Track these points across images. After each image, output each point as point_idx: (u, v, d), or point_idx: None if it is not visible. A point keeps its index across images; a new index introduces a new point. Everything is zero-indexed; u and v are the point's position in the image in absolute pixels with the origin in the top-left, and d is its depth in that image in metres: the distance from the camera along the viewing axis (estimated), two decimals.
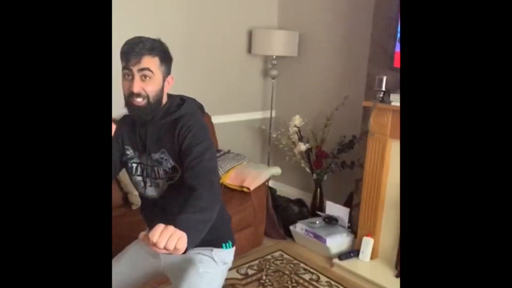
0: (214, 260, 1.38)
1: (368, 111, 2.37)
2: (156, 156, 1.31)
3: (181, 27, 2.76)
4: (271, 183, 3.18)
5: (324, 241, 2.49)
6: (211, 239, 1.40)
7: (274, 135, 3.16)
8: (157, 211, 1.37)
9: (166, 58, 1.27)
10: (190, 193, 1.14)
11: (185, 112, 1.31)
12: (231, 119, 3.17)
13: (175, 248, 0.92)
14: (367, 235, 2.40)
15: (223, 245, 1.43)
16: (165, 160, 1.30)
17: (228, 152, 2.77)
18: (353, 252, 2.45)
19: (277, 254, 2.58)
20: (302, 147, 2.86)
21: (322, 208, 2.88)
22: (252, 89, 3.32)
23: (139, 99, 1.24)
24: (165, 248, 0.92)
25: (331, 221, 2.65)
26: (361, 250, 2.41)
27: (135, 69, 1.21)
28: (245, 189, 2.45)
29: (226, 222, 1.49)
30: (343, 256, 2.43)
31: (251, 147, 3.39)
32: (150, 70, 1.23)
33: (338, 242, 2.52)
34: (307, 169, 2.95)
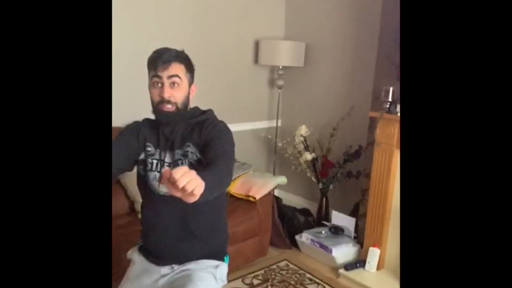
0: (215, 277, 1.37)
1: (374, 122, 2.37)
2: (181, 151, 1.33)
3: (188, 37, 2.79)
4: (276, 192, 3.18)
5: (330, 251, 2.49)
6: (218, 251, 1.42)
7: (280, 144, 3.17)
8: (169, 210, 1.34)
9: (190, 67, 1.35)
10: (208, 165, 1.17)
11: (211, 116, 1.41)
12: (237, 128, 3.18)
13: (191, 192, 0.89)
14: (373, 246, 2.39)
15: (225, 258, 1.44)
16: (190, 153, 1.32)
17: (234, 161, 2.78)
18: (359, 262, 2.44)
19: (282, 264, 2.57)
20: (308, 156, 2.86)
21: (328, 218, 2.87)
22: (258, 98, 3.34)
23: (169, 106, 1.29)
24: (182, 189, 0.89)
25: (337, 231, 2.64)
26: (368, 260, 2.40)
27: (164, 76, 1.27)
28: (251, 198, 2.46)
29: (227, 237, 1.52)
30: (349, 266, 2.41)
31: (257, 156, 3.40)
32: (178, 77, 1.30)
33: (344, 252, 2.52)
34: (313, 179, 2.95)
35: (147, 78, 1.34)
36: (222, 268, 1.41)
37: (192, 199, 0.92)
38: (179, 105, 1.31)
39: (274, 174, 3.32)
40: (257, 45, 3.15)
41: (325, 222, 2.80)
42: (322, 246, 2.54)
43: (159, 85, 1.29)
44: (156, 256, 1.39)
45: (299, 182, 3.25)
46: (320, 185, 2.91)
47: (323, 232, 2.65)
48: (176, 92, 1.30)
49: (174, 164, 1.34)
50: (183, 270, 1.36)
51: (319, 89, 3.16)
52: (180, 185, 0.88)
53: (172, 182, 0.88)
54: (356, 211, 2.73)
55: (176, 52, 1.31)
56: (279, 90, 3.25)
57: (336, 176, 2.85)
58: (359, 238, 2.61)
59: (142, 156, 1.37)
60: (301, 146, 2.94)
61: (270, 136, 3.33)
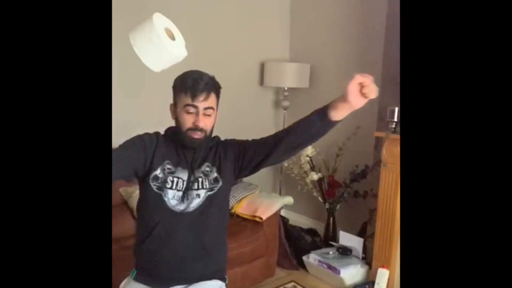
0: None
1: (380, 141, 2.38)
2: (201, 170, 1.38)
3: (195, 58, 2.84)
4: (283, 212, 3.17)
5: (338, 272, 2.46)
6: (222, 269, 1.44)
7: (285, 164, 3.17)
8: (185, 226, 1.34)
9: (219, 93, 1.39)
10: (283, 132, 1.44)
11: (218, 138, 1.48)
12: None
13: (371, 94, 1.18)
14: (382, 267, 2.36)
15: (225, 277, 1.46)
16: (210, 172, 1.38)
17: (240, 181, 2.78)
18: (368, 283, 2.40)
19: (290, 285, 2.54)
20: (315, 176, 2.86)
21: (335, 238, 2.85)
22: (264, 119, 3.37)
23: (199, 133, 1.32)
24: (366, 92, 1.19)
25: (345, 251, 2.61)
26: (376, 281, 2.37)
27: (201, 106, 1.30)
28: (257, 219, 2.45)
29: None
30: (357, 287, 2.38)
31: (263, 176, 3.40)
32: (213, 108, 1.34)
33: (352, 273, 2.48)
34: (320, 198, 2.94)
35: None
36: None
37: (365, 101, 1.23)
38: (208, 133, 1.35)
39: (280, 194, 3.31)
40: (262, 67, 3.20)
41: (332, 243, 2.78)
42: (330, 267, 2.51)
43: (194, 113, 1.31)
44: (163, 277, 1.37)
45: (305, 202, 3.24)
46: (327, 205, 2.90)
47: (330, 252, 2.62)
48: (208, 121, 1.34)
49: (195, 181, 1.36)
50: None
51: None
52: (370, 86, 1.20)
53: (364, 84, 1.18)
54: (363, 231, 2.71)
55: (211, 80, 1.35)
56: (284, 111, 3.28)
57: (343, 196, 2.84)
58: (367, 258, 2.58)
59: (158, 172, 1.34)
60: (307, 166, 2.95)
61: None
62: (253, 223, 2.46)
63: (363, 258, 2.59)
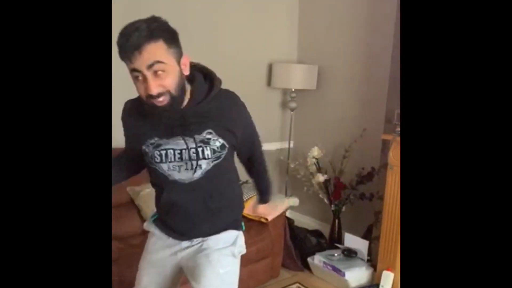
0: (233, 255, 1.34)
1: (387, 144, 2.38)
2: (201, 137, 1.21)
3: (204, 59, 2.86)
4: (288, 213, 3.17)
5: (343, 274, 2.46)
6: (236, 221, 1.41)
7: (292, 166, 3.18)
8: (189, 193, 1.28)
9: (172, 37, 1.09)
10: (252, 160, 1.45)
11: (227, 96, 1.30)
12: None
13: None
14: (387, 269, 2.36)
15: (242, 225, 1.43)
16: (212, 140, 1.22)
17: (246, 182, 2.79)
18: (372, 286, 2.40)
19: (294, 286, 2.55)
20: (321, 178, 2.87)
21: (340, 240, 2.85)
22: (271, 120, 3.38)
23: (160, 99, 1.09)
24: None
25: (350, 253, 2.61)
26: (381, 284, 2.36)
27: (143, 66, 1.04)
28: (263, 220, 2.46)
29: (243, 207, 1.50)
30: None
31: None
32: (160, 62, 1.05)
33: (357, 275, 2.48)
34: (325, 200, 2.95)
35: None
36: (239, 239, 1.38)
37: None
38: (174, 93, 1.10)
39: (286, 195, 3.32)
40: (270, 68, 3.21)
41: (338, 245, 2.78)
42: (334, 269, 2.51)
43: (141, 78, 1.07)
44: (176, 232, 1.37)
45: (311, 203, 3.24)
46: (333, 207, 2.90)
47: (335, 254, 2.62)
48: (164, 80, 1.08)
49: (194, 151, 1.21)
50: (203, 249, 1.32)
51: (331, 111, 3.19)
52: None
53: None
54: (369, 234, 2.70)
55: (147, 26, 1.03)
56: (292, 112, 3.28)
57: (349, 198, 2.84)
58: (372, 261, 2.58)
59: (144, 147, 1.25)
60: (314, 168, 2.95)
61: (282, 158, 3.35)
62: (259, 223, 2.47)
63: (368, 261, 2.59)
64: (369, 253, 2.60)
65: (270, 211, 1.59)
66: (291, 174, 3.28)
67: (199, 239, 1.35)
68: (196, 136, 1.21)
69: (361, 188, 2.79)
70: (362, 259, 2.59)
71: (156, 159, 1.24)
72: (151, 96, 1.08)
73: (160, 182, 1.31)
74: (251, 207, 2.54)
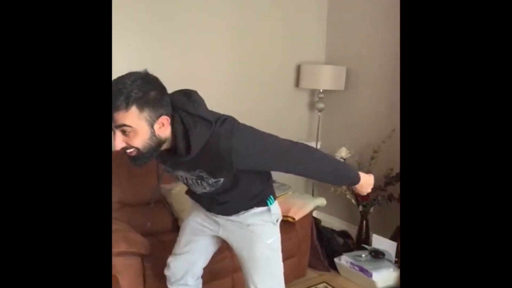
0: (273, 223, 1.54)
1: None
2: (196, 173, 1.35)
3: (233, 61, 2.92)
4: (315, 214, 3.18)
5: (370, 275, 2.45)
6: (258, 201, 1.51)
7: None
8: (204, 199, 1.51)
9: (148, 102, 1.12)
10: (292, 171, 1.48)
11: (205, 139, 1.22)
12: None
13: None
14: None
15: (267, 201, 1.53)
16: (205, 178, 1.34)
17: (274, 181, 2.83)
18: None
19: (321, 286, 2.56)
20: None
21: (368, 241, 2.84)
22: (298, 121, 3.40)
23: (128, 151, 1.19)
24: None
25: (378, 255, 2.60)
26: None
27: (113, 124, 1.12)
28: (290, 219, 2.48)
29: (268, 191, 1.58)
30: None
31: (296, 177, 3.40)
32: (126, 125, 1.12)
33: (384, 276, 2.47)
34: (353, 201, 2.94)
35: None
36: (272, 209, 1.54)
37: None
38: (142, 149, 1.18)
39: (313, 195, 3.33)
40: (298, 69, 3.23)
41: (365, 246, 2.77)
42: (362, 269, 2.51)
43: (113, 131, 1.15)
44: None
45: (338, 204, 3.24)
46: (360, 208, 2.89)
47: (363, 255, 2.62)
48: (131, 140, 1.16)
49: (194, 180, 1.38)
50: (246, 224, 1.50)
51: (359, 111, 3.18)
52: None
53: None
54: (397, 235, 2.68)
55: (127, 94, 1.08)
56: (319, 113, 3.29)
57: (377, 199, 2.83)
58: (400, 262, 2.56)
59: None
60: None
61: None
62: (286, 223, 2.49)
63: (396, 262, 2.57)
64: (397, 255, 2.58)
65: (362, 188, 1.63)
66: None
67: (234, 217, 1.51)
68: (192, 172, 1.35)
69: (389, 189, 2.77)
70: (389, 261, 2.58)
71: (175, 176, 1.46)
72: (121, 149, 1.18)
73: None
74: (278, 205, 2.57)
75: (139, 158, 1.21)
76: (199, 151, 1.21)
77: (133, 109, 1.11)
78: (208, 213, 1.57)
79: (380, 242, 2.66)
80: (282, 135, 3.61)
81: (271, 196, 1.56)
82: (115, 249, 1.73)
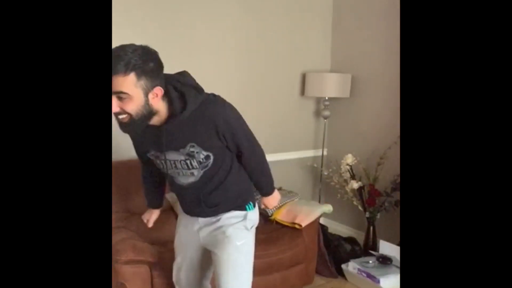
0: (246, 228, 1.53)
1: None
2: (186, 150, 1.37)
3: (239, 70, 2.96)
4: (322, 220, 3.19)
5: (378, 281, 2.45)
6: (239, 205, 1.54)
7: (325, 173, 3.20)
8: (190, 193, 1.52)
9: (146, 71, 1.19)
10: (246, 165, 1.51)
11: (199, 102, 1.32)
12: (283, 157, 3.26)
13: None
14: None
15: (247, 206, 1.55)
16: (196, 153, 1.37)
17: (280, 189, 2.84)
18: None
19: None
20: (355, 185, 2.87)
21: (375, 247, 2.84)
22: (304, 128, 3.42)
23: (120, 117, 1.25)
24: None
25: (385, 261, 2.60)
26: None
27: (112, 89, 1.17)
28: (296, 226, 2.50)
29: (246, 190, 1.60)
30: None
31: (303, 184, 3.44)
32: (123, 92, 1.19)
33: (392, 282, 2.47)
34: (360, 207, 2.95)
35: None
36: (249, 215, 1.55)
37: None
38: (134, 116, 1.24)
39: (319, 202, 3.34)
40: (303, 77, 3.26)
41: (372, 252, 2.77)
42: (369, 276, 2.51)
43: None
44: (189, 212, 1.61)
45: (345, 210, 3.25)
46: (367, 214, 2.90)
47: (370, 261, 2.62)
48: (126, 105, 1.22)
49: (183, 163, 1.39)
50: (219, 226, 1.52)
51: (365, 118, 3.19)
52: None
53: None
54: None
55: (128, 58, 1.15)
56: (325, 120, 3.31)
57: (384, 205, 2.83)
58: None
59: (149, 156, 1.48)
60: (348, 175, 2.96)
61: (315, 165, 3.37)
62: (293, 230, 2.51)
63: None
64: None
65: (270, 202, 1.71)
66: (324, 181, 3.30)
67: (211, 218, 1.53)
68: (182, 150, 1.37)
69: (396, 195, 2.77)
70: (397, 267, 2.57)
71: (159, 165, 1.49)
72: (114, 113, 1.24)
73: (169, 181, 1.57)
74: (285, 213, 2.59)
75: (130, 124, 1.27)
76: (191, 116, 1.30)
77: (132, 76, 1.17)
78: (188, 223, 1.60)
79: (387, 248, 2.65)
80: (289, 142, 3.65)
81: (251, 203, 1.58)
82: (123, 258, 1.76)
